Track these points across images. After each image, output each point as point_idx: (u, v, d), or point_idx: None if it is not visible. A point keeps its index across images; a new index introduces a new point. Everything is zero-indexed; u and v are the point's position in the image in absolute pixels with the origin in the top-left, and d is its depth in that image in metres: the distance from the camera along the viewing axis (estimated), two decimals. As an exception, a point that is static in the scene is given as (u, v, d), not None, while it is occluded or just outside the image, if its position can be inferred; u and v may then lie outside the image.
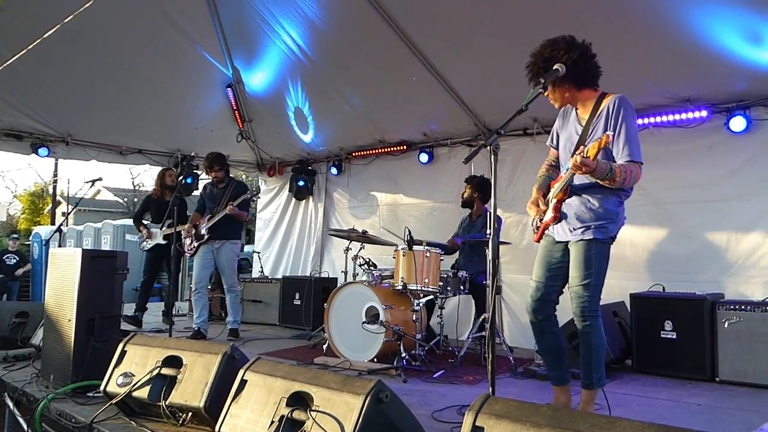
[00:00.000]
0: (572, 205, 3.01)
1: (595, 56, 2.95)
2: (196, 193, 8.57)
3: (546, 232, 3.19)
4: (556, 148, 3.26)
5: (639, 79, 4.48)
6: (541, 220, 3.17)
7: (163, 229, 6.61)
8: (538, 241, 3.23)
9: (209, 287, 6.34)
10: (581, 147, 2.80)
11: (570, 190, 3.01)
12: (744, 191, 4.75)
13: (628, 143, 2.83)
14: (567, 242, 3.07)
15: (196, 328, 5.75)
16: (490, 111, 6.01)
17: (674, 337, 4.33)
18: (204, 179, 7.63)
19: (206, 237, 5.84)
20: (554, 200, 3.05)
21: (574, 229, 2.99)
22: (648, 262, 5.08)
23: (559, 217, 3.04)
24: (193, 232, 5.98)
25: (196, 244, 5.91)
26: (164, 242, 6.63)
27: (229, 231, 5.90)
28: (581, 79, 2.95)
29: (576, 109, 3.09)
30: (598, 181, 2.83)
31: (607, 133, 2.63)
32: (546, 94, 3.00)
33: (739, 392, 3.90)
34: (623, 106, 2.88)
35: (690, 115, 4.90)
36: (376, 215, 7.49)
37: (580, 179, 2.95)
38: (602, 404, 3.12)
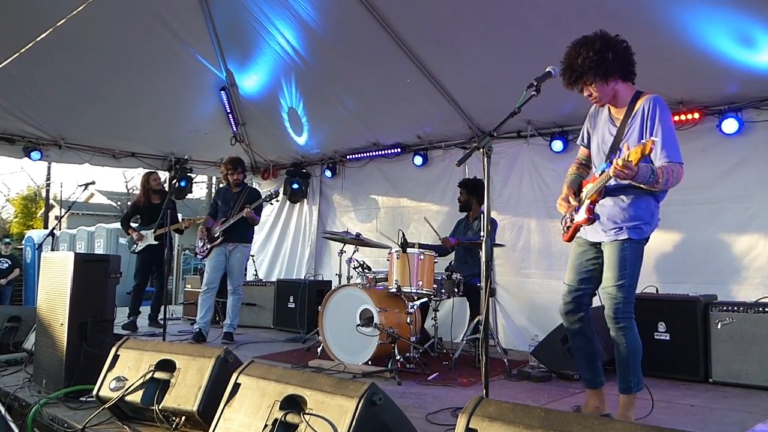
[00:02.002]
0: (606, 206, 2.98)
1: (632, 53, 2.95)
2: (190, 196, 8.57)
3: (578, 234, 3.14)
4: (587, 146, 3.24)
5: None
6: (572, 219, 3.11)
7: (155, 231, 6.60)
8: (568, 241, 3.20)
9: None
10: (623, 151, 2.72)
11: (605, 190, 2.95)
12: (736, 193, 4.77)
13: (666, 145, 2.81)
14: (599, 243, 3.05)
15: (197, 329, 5.75)
16: (484, 113, 6.02)
17: (667, 338, 4.33)
18: (198, 182, 7.61)
19: (220, 239, 5.86)
20: (587, 201, 2.98)
21: (609, 230, 2.97)
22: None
23: (593, 218, 2.97)
24: (206, 234, 5.98)
25: (208, 246, 5.92)
26: (156, 242, 6.62)
27: (242, 234, 5.96)
28: (627, 70, 2.94)
29: (609, 108, 3.06)
30: (641, 185, 2.80)
31: (652, 138, 2.59)
32: (588, 93, 2.97)
33: (732, 393, 3.91)
34: (659, 106, 2.87)
35: (682, 117, 4.91)
36: (372, 218, 7.48)
37: (616, 181, 2.89)
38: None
